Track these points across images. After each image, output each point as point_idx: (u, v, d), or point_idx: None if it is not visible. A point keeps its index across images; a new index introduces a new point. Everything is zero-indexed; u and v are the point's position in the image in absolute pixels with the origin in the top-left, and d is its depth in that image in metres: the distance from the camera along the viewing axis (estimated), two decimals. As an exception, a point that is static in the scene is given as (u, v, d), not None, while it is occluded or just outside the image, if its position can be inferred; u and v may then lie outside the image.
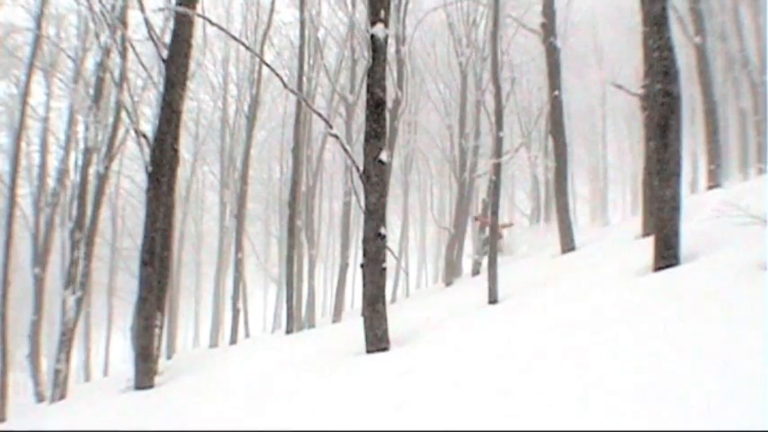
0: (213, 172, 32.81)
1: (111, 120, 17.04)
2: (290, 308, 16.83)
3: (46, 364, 21.63)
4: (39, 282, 20.26)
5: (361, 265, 7.79)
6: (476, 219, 17.88)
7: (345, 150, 9.07)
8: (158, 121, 9.47)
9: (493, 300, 10.83)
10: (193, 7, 9.60)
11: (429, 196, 35.65)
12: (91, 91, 16.77)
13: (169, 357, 22.45)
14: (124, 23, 13.72)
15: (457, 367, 5.77)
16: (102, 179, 17.14)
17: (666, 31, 7.85)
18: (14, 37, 20.98)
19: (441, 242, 35.90)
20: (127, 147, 24.15)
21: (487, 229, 16.90)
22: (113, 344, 32.82)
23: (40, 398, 19.30)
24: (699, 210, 9.89)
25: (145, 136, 10.01)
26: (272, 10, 22.10)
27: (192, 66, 13.77)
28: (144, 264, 9.03)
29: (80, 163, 17.54)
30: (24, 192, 22.81)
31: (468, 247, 26.68)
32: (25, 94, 19.41)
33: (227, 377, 8.46)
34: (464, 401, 4.62)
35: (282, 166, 29.58)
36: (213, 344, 27.59)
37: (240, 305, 23.94)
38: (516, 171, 30.62)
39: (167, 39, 10.16)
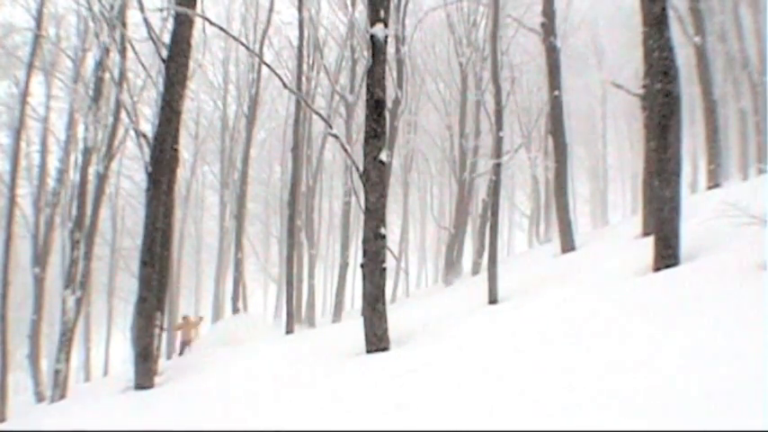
0: (213, 172, 32.84)
1: (110, 120, 17.04)
2: (289, 308, 16.82)
3: (46, 364, 21.63)
4: (39, 282, 20.26)
5: (361, 265, 7.79)
6: (178, 328, 16.83)
7: (345, 150, 9.08)
8: (158, 121, 9.46)
9: (493, 300, 10.83)
10: (193, 7, 9.59)
11: (429, 196, 35.68)
12: (91, 91, 16.76)
13: (169, 357, 22.46)
14: (124, 23, 13.72)
15: (457, 367, 5.77)
16: (101, 179, 17.15)
17: (666, 31, 7.85)
18: (14, 37, 20.97)
19: (441, 242, 35.90)
20: (127, 147, 24.18)
21: (180, 335, 16.18)
22: (113, 344, 32.81)
23: (39, 398, 19.30)
24: (699, 210, 9.89)
25: (145, 136, 10.02)
26: (270, 10, 22.13)
27: (192, 66, 13.77)
28: (144, 264, 9.03)
29: (80, 163, 17.53)
30: (24, 192, 22.80)
31: (469, 246, 26.70)
32: (25, 94, 19.41)
33: (227, 377, 8.46)
34: (464, 401, 4.62)
35: (282, 166, 29.59)
36: (213, 344, 27.56)
37: (240, 305, 23.95)
38: (516, 171, 30.62)
39: (167, 39, 10.16)
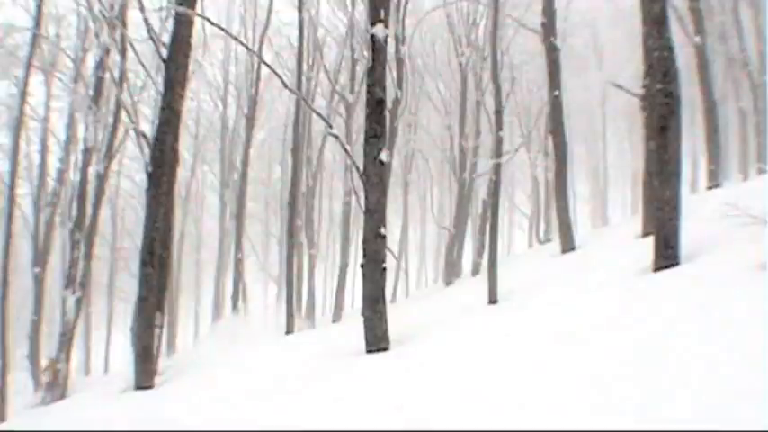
0: (213, 172, 32.84)
1: (111, 120, 17.05)
2: (289, 308, 16.82)
3: (46, 364, 21.61)
4: (39, 282, 20.27)
5: (361, 266, 7.78)
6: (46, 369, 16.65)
7: (345, 150, 9.07)
8: (158, 121, 9.46)
9: (493, 300, 10.84)
10: (193, 7, 9.60)
11: (429, 196, 35.66)
12: (91, 91, 16.76)
13: (169, 357, 22.46)
14: (124, 23, 13.73)
15: (456, 367, 5.77)
16: (102, 179, 17.16)
17: (666, 31, 7.85)
18: (14, 37, 20.96)
19: (441, 242, 35.89)
20: (127, 147, 24.19)
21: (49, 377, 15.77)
22: (113, 344, 32.82)
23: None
24: (699, 210, 9.89)
25: (145, 136, 10.02)
26: (270, 10, 22.13)
27: (192, 66, 13.78)
28: (144, 264, 9.03)
29: (80, 163, 17.54)
30: (24, 192, 22.80)
31: (469, 246, 26.69)
32: (24, 93, 19.40)
33: (227, 377, 8.46)
34: (463, 401, 4.62)
35: (282, 167, 29.60)
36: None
37: (240, 305, 23.96)
38: (516, 171, 30.61)
39: (167, 39, 10.15)
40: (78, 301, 16.19)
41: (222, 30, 9.93)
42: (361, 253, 7.93)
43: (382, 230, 7.77)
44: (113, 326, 32.95)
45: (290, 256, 17.44)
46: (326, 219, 36.16)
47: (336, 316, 22.43)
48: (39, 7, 18.68)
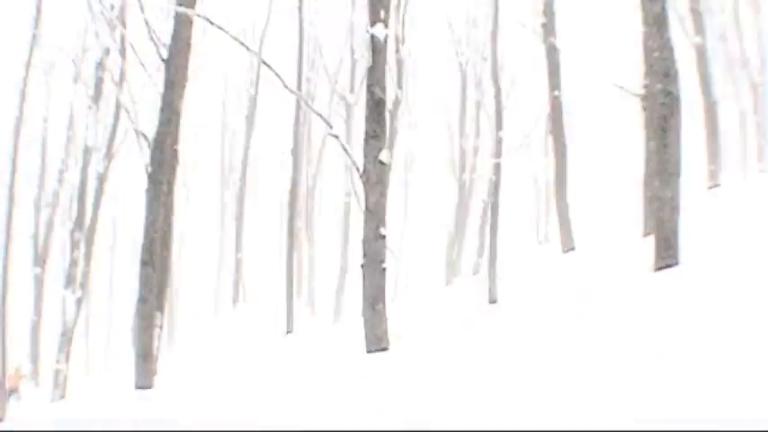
0: (213, 172, 32.89)
1: (111, 120, 17.06)
2: (290, 308, 16.82)
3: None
4: (39, 282, 20.28)
5: (361, 266, 7.79)
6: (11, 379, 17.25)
7: (345, 150, 9.06)
8: (158, 121, 9.46)
9: (492, 299, 10.84)
10: (193, 7, 9.60)
11: (429, 196, 35.70)
12: (91, 91, 16.77)
13: (169, 357, 22.47)
14: (124, 23, 13.73)
15: (456, 367, 5.77)
16: (102, 179, 17.17)
17: (666, 31, 7.85)
18: (14, 37, 20.99)
19: (441, 242, 35.92)
20: (127, 147, 24.22)
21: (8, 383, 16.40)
22: (113, 344, 32.83)
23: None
24: (699, 210, 9.90)
25: (145, 136, 10.02)
26: (270, 10, 22.14)
27: (192, 67, 13.79)
28: (144, 264, 9.03)
29: (80, 163, 17.54)
30: (24, 192, 22.81)
31: (469, 246, 26.71)
32: (24, 93, 19.40)
33: (227, 377, 8.46)
34: (463, 401, 4.62)
35: (282, 167, 29.65)
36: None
37: (240, 305, 23.97)
38: (516, 171, 30.65)
39: (166, 39, 10.16)
40: (78, 301, 16.19)
41: (222, 30, 9.91)
42: (361, 253, 7.93)
43: (382, 230, 7.77)
44: (113, 326, 32.96)
45: (290, 256, 17.45)
46: (326, 219, 36.21)
47: (336, 316, 22.44)
48: (38, 7, 18.70)
